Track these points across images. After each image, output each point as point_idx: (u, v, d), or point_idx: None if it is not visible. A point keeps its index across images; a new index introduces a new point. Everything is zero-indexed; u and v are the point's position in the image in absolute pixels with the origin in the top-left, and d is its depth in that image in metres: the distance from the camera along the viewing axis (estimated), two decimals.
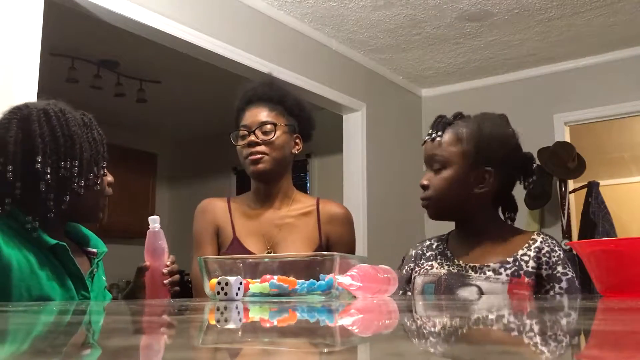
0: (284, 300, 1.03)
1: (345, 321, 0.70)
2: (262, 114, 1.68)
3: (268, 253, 1.65)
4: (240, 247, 1.66)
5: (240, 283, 1.04)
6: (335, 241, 1.71)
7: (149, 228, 1.40)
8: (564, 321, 0.65)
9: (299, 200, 1.76)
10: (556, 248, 1.44)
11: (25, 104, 1.32)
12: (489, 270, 1.42)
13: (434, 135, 1.49)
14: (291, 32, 3.91)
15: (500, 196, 1.51)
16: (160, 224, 1.43)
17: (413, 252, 1.63)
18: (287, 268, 1.10)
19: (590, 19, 3.88)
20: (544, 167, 4.31)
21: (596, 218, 4.48)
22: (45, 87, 2.19)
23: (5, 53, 2.39)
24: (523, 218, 4.46)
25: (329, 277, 1.05)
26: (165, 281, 1.39)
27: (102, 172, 1.34)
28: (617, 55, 4.41)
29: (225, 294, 1.02)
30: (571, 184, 4.63)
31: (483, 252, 1.47)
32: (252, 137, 1.65)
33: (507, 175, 1.48)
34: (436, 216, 1.51)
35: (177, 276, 1.42)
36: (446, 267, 1.49)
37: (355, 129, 4.50)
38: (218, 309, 0.85)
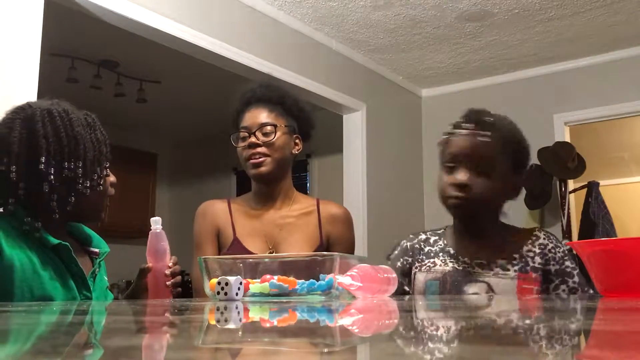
0: (284, 300, 1.03)
1: (345, 321, 0.70)
2: (261, 116, 1.68)
3: (270, 253, 1.65)
4: (241, 247, 1.66)
5: (240, 283, 1.04)
6: (336, 241, 1.72)
7: (150, 229, 1.40)
8: (564, 321, 0.65)
9: (299, 201, 1.77)
10: (559, 244, 1.46)
11: (29, 103, 1.32)
12: (496, 267, 1.42)
13: (479, 132, 1.39)
14: (291, 32, 3.91)
15: None
16: (161, 224, 1.43)
17: (408, 245, 1.57)
18: (287, 268, 1.10)
19: (590, 19, 3.88)
20: (544, 167, 4.31)
21: (596, 218, 4.48)
22: (45, 87, 2.19)
23: (5, 53, 2.39)
24: (523, 218, 4.46)
25: (329, 277, 1.05)
26: (168, 282, 1.39)
27: (105, 173, 1.34)
28: (617, 55, 4.41)
29: (225, 294, 1.02)
30: (571, 184, 4.63)
31: (488, 249, 1.45)
32: (253, 139, 1.66)
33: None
34: (466, 217, 1.46)
35: (179, 277, 1.43)
36: (450, 265, 1.46)
37: (355, 129, 4.50)
38: (218, 309, 0.85)
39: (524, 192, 4.28)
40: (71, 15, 2.96)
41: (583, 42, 4.25)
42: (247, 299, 1.06)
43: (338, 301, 1.03)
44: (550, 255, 1.42)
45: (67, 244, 1.26)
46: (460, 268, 1.45)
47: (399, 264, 1.55)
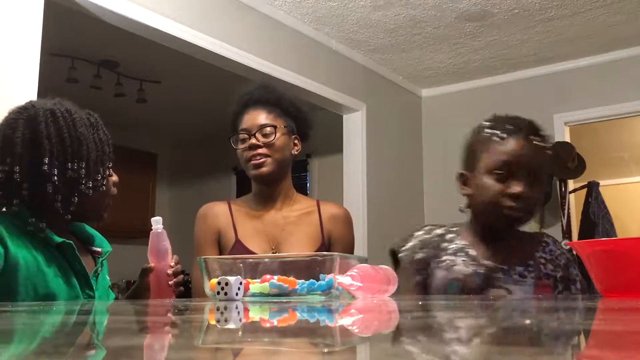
0: (284, 300, 1.03)
1: (345, 321, 0.70)
2: (260, 117, 1.69)
3: (272, 253, 1.66)
4: (243, 248, 1.66)
5: (240, 283, 1.04)
6: (337, 241, 1.73)
7: (151, 229, 1.40)
8: (564, 321, 0.65)
9: (300, 201, 1.78)
10: (564, 250, 1.47)
11: (32, 103, 1.32)
12: (515, 274, 1.40)
13: (536, 141, 1.36)
14: (291, 32, 3.91)
15: None
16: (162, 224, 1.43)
17: (426, 237, 1.49)
18: (287, 268, 1.10)
19: (590, 19, 3.88)
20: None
21: (596, 218, 4.48)
22: (45, 87, 2.19)
23: (5, 53, 2.39)
24: None
25: (329, 277, 1.05)
26: (170, 282, 1.39)
27: (107, 173, 1.34)
28: (617, 55, 4.41)
29: (225, 294, 1.02)
30: (571, 184, 4.63)
31: (505, 254, 1.43)
32: (253, 140, 1.67)
33: None
34: (518, 227, 1.43)
35: (181, 276, 1.43)
36: (471, 267, 1.42)
37: (355, 129, 4.50)
38: (218, 309, 0.85)
39: None
40: (71, 15, 2.96)
41: (583, 42, 4.25)
42: (247, 299, 1.06)
43: (338, 301, 1.03)
44: (557, 262, 1.43)
45: (71, 242, 1.26)
46: (482, 272, 1.41)
47: (417, 256, 1.47)
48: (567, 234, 4.36)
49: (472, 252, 1.45)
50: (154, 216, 1.43)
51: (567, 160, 4.35)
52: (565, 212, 4.39)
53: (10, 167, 1.23)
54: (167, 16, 3.09)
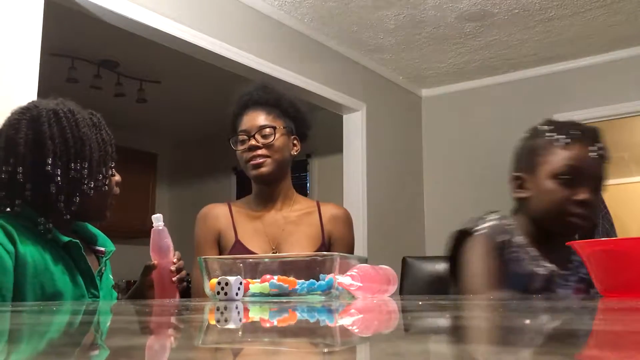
0: (284, 300, 1.03)
1: (345, 321, 0.70)
2: (260, 118, 1.69)
3: (273, 253, 1.66)
4: (243, 249, 1.67)
5: (240, 283, 1.04)
6: (337, 241, 1.73)
7: (152, 227, 1.40)
8: (564, 321, 0.65)
9: (299, 202, 1.79)
10: None
11: (34, 103, 1.32)
12: (569, 276, 1.41)
13: (600, 148, 1.36)
14: (291, 32, 3.91)
15: None
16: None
17: (499, 223, 1.44)
18: (287, 268, 1.10)
19: (590, 19, 3.88)
20: None
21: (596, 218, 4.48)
22: (45, 87, 2.19)
23: (5, 53, 2.39)
24: None
25: (329, 277, 1.05)
26: (173, 278, 1.39)
27: (110, 172, 1.35)
28: (617, 55, 4.41)
29: (225, 294, 1.02)
30: None
31: (554, 257, 1.42)
32: (253, 141, 1.68)
33: None
34: (579, 234, 1.42)
35: (184, 272, 1.43)
36: (539, 267, 1.40)
37: (355, 129, 4.50)
38: (218, 309, 0.85)
39: None
40: (71, 15, 2.96)
41: (583, 42, 4.25)
42: (247, 299, 1.06)
43: (338, 301, 1.03)
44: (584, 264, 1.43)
45: (78, 241, 1.27)
46: (546, 273, 1.40)
47: (499, 238, 1.42)
48: None
49: (534, 252, 1.42)
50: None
51: None
52: None
53: (13, 168, 1.23)
54: (167, 16, 3.09)
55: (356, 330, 0.60)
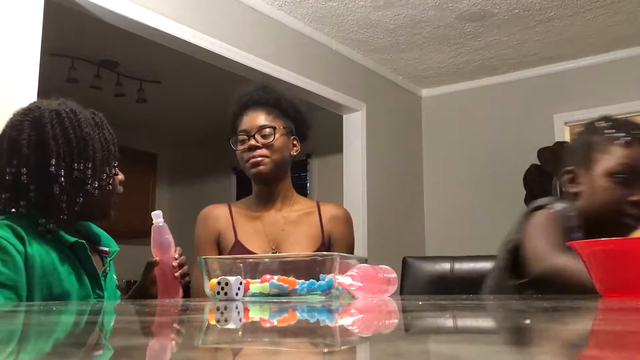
0: (284, 300, 1.03)
1: (345, 321, 0.70)
2: (259, 118, 1.70)
3: (273, 253, 1.66)
4: (243, 249, 1.67)
5: (240, 283, 1.04)
6: (337, 241, 1.73)
7: (152, 224, 1.40)
8: (564, 321, 0.65)
9: (299, 202, 1.79)
10: None
11: (36, 104, 1.32)
12: None
13: None
14: (291, 32, 3.91)
15: None
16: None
17: (566, 205, 1.43)
18: (287, 268, 1.10)
19: (590, 19, 3.88)
20: (544, 167, 4.31)
21: None
22: (45, 87, 2.19)
23: (5, 53, 2.39)
24: None
25: (329, 277, 1.05)
26: (176, 274, 1.39)
27: (113, 172, 1.35)
28: (617, 55, 4.42)
29: (225, 294, 1.02)
30: None
31: None
32: (252, 142, 1.68)
33: None
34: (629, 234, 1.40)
35: (186, 267, 1.43)
36: None
37: (355, 129, 4.50)
38: (218, 309, 0.85)
39: (523, 193, 4.29)
40: (71, 15, 2.96)
41: (583, 42, 4.25)
42: (247, 299, 1.06)
43: (338, 301, 1.03)
44: None
45: (84, 241, 1.27)
46: None
47: (571, 214, 1.41)
48: None
49: None
50: None
51: None
52: None
53: (17, 169, 1.24)
54: (167, 16, 3.09)
55: (356, 330, 0.60)
